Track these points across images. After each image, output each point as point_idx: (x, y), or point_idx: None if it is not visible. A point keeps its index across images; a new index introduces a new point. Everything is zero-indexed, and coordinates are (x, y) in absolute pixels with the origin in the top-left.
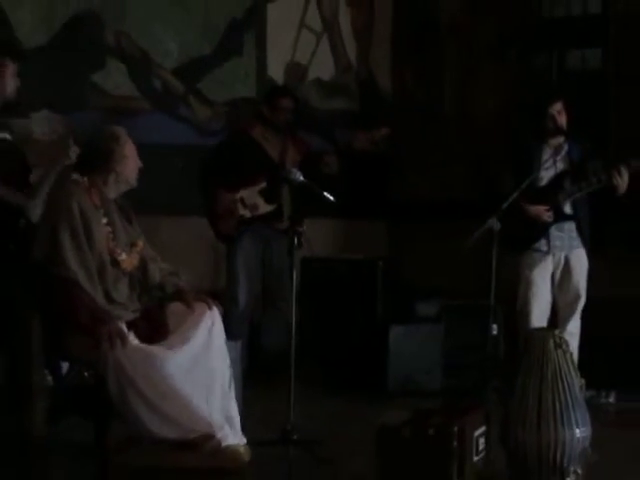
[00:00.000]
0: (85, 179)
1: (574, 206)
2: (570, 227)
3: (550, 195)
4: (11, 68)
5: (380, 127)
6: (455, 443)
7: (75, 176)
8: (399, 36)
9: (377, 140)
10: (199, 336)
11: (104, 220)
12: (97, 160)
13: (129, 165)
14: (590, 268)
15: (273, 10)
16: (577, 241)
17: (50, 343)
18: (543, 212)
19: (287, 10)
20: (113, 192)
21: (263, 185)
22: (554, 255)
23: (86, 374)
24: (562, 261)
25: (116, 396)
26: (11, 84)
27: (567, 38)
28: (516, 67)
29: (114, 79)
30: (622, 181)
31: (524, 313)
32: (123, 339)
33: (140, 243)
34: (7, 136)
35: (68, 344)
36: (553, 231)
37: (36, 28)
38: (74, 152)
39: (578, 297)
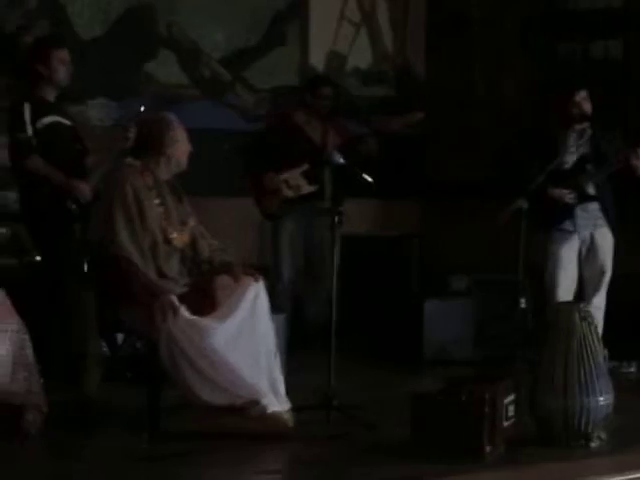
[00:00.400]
0: (138, 162)
1: (597, 188)
2: (594, 207)
3: (573, 178)
4: (60, 54)
5: (414, 111)
6: (487, 409)
7: (129, 160)
8: (433, 26)
9: (411, 123)
10: (244, 307)
11: (156, 201)
12: (150, 144)
13: (180, 149)
14: (614, 245)
15: (315, 3)
16: (601, 220)
17: (106, 316)
18: (565, 195)
19: (328, 3)
20: (165, 174)
21: (306, 167)
22: (580, 233)
23: (139, 345)
24: (588, 239)
25: (168, 365)
26: (62, 70)
27: (590, 29)
28: (542, 55)
29: (165, 68)
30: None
31: (552, 287)
32: (175, 311)
33: (191, 221)
34: (60, 119)
35: (123, 317)
36: (578, 211)
37: (92, 20)
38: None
39: (603, 273)
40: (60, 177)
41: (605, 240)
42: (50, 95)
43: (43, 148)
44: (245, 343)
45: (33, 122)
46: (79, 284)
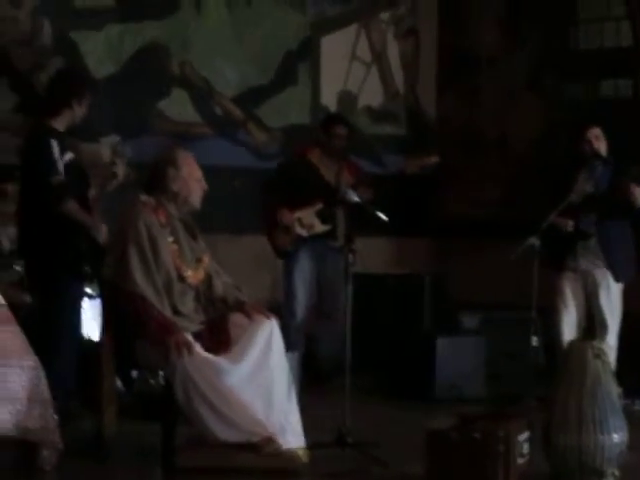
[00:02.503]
0: (152, 199)
1: (598, 227)
2: (594, 246)
3: (577, 215)
4: (89, 99)
5: (430, 154)
6: (501, 446)
7: (143, 196)
8: (443, 65)
9: (426, 166)
10: (258, 346)
11: (170, 238)
12: (158, 181)
13: (187, 186)
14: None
15: (326, 43)
16: (600, 261)
17: (121, 353)
18: (565, 222)
19: (339, 43)
20: (177, 211)
21: (319, 206)
22: (582, 271)
23: (152, 382)
24: (590, 278)
25: (182, 401)
26: (83, 113)
27: (600, 68)
28: (552, 95)
29: (178, 106)
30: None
31: (555, 322)
32: (190, 349)
33: (205, 258)
34: (73, 155)
35: (138, 354)
36: (579, 248)
37: (105, 58)
38: (121, 169)
39: (609, 314)
40: (89, 219)
41: (605, 279)
42: (62, 128)
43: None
44: (259, 381)
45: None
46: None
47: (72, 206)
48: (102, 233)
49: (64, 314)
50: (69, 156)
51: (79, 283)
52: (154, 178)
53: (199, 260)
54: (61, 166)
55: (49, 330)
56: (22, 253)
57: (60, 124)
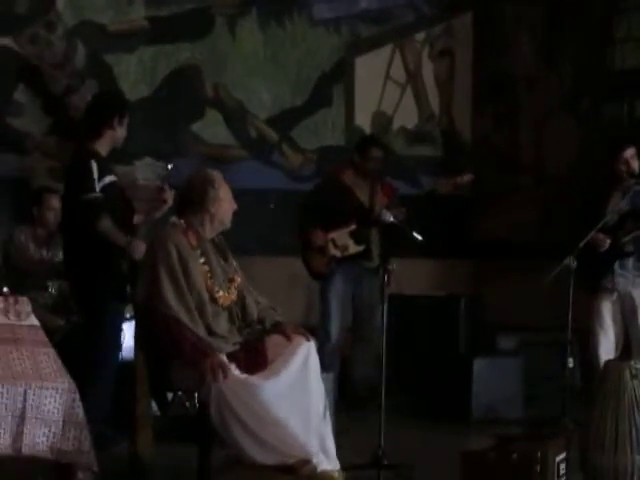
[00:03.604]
0: (182, 221)
1: (636, 245)
2: (633, 265)
3: (613, 234)
4: (129, 119)
5: (463, 173)
6: (538, 467)
7: (173, 219)
8: (478, 87)
9: (461, 185)
10: (295, 365)
11: (201, 260)
12: (193, 202)
13: (223, 207)
14: None
15: (360, 64)
16: (638, 280)
17: (156, 376)
18: (601, 239)
19: (374, 64)
20: (209, 232)
21: (353, 227)
22: (619, 291)
23: (188, 404)
24: (628, 298)
25: (218, 424)
26: (124, 134)
27: (637, 88)
28: (588, 116)
29: (212, 128)
30: None
31: (593, 346)
32: (225, 371)
33: (238, 279)
34: (115, 179)
35: (173, 376)
36: (617, 268)
37: (138, 81)
38: (170, 196)
39: None
40: (124, 239)
41: None
42: (105, 151)
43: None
44: (296, 402)
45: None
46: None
47: (106, 224)
48: (139, 253)
49: (106, 335)
50: (110, 179)
51: (121, 305)
52: (191, 199)
53: (231, 280)
54: (97, 186)
55: (91, 352)
56: (67, 275)
57: (102, 147)
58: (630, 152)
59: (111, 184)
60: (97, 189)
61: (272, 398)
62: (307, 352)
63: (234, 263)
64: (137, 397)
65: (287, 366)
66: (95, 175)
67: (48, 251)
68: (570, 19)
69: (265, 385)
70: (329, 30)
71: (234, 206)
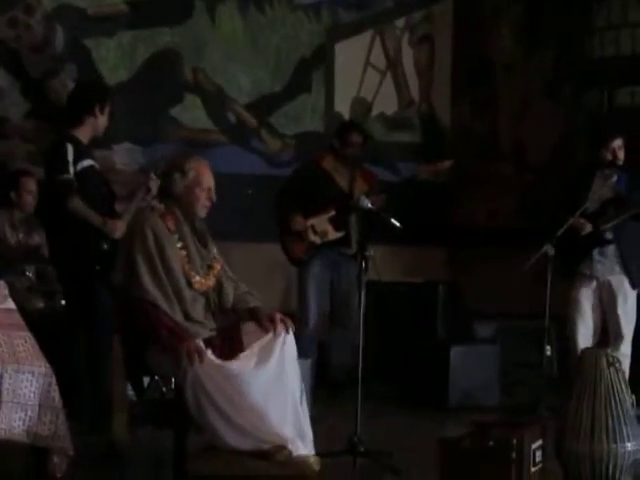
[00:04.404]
0: (162, 205)
1: (616, 233)
2: (612, 252)
3: (593, 220)
4: (111, 108)
5: (443, 159)
6: (514, 455)
7: (154, 202)
8: (458, 73)
9: (441, 172)
10: (272, 352)
11: (179, 244)
12: (165, 186)
13: (191, 193)
14: None
15: (340, 50)
16: (618, 266)
17: (132, 360)
18: (581, 223)
19: (353, 50)
20: (186, 218)
21: (332, 213)
22: (598, 279)
23: (164, 389)
24: (606, 285)
25: (193, 408)
26: (106, 122)
27: (617, 76)
28: (568, 103)
29: (191, 113)
30: None
31: (571, 333)
32: (201, 355)
33: (217, 266)
34: (94, 163)
35: (149, 361)
36: (595, 255)
37: (118, 65)
38: (154, 184)
39: (625, 321)
40: (98, 218)
41: (622, 286)
42: (86, 139)
43: (79, 191)
44: (272, 388)
45: (73, 164)
46: (110, 327)
47: (77, 203)
48: (119, 232)
49: (97, 320)
50: (88, 162)
51: (105, 286)
52: (162, 183)
53: (210, 267)
54: (71, 169)
55: (86, 337)
56: (51, 259)
57: (83, 134)
58: (618, 142)
59: (89, 167)
60: (70, 171)
61: (249, 386)
62: (283, 339)
63: (214, 250)
64: (114, 380)
65: (263, 353)
66: (70, 157)
67: (25, 234)
68: (550, 6)
69: (242, 371)
70: (309, 15)
71: (211, 196)
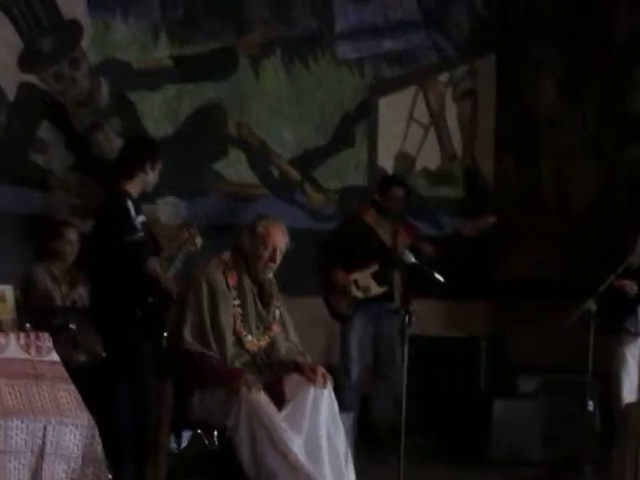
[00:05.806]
0: (231, 259)
1: None
2: None
3: (636, 277)
4: (161, 165)
5: (486, 215)
6: None
7: (225, 254)
8: (501, 128)
9: (484, 228)
10: (313, 407)
11: (236, 302)
12: (238, 243)
13: (255, 252)
14: None
15: (384, 105)
16: None
17: (175, 411)
18: (626, 284)
19: (397, 105)
20: (252, 274)
21: (376, 268)
22: None
23: (207, 442)
24: None
25: (246, 450)
26: (155, 179)
27: None
28: (610, 157)
29: (235, 167)
30: None
31: (616, 389)
32: (256, 385)
33: (275, 328)
34: (145, 219)
35: (195, 410)
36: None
37: (162, 119)
38: (199, 242)
39: None
40: (168, 278)
41: None
42: (136, 194)
43: None
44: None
45: None
46: (152, 376)
47: (154, 264)
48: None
49: (133, 367)
50: (142, 218)
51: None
52: (237, 241)
53: (267, 328)
54: (139, 226)
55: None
56: (95, 312)
57: (133, 189)
58: None
59: (143, 224)
60: (139, 230)
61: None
62: (322, 395)
63: (276, 311)
64: (161, 427)
65: (303, 411)
66: (133, 214)
67: (68, 287)
68: (591, 61)
69: (290, 437)
70: (352, 70)
71: (270, 256)
